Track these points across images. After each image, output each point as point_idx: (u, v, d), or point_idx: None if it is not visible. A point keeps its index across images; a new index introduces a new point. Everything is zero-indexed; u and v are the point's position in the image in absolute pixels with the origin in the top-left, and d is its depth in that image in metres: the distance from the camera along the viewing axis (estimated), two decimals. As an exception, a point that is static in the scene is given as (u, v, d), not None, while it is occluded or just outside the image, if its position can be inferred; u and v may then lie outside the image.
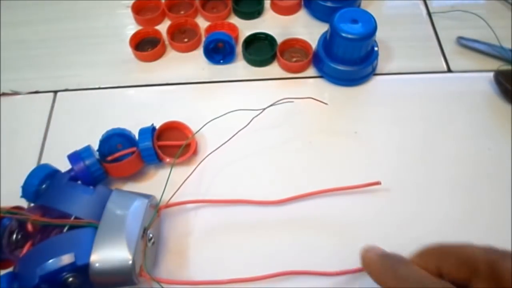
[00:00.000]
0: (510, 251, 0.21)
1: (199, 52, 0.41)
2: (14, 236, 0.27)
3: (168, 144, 0.34)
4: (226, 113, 0.34)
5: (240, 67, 0.40)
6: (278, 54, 0.39)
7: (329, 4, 0.41)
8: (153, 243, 0.29)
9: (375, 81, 0.39)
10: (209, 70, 0.40)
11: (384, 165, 0.33)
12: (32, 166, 0.31)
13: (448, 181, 0.33)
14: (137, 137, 0.33)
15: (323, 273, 0.28)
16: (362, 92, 0.38)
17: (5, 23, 0.45)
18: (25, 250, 0.27)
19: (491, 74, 0.37)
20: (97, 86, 0.39)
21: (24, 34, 0.44)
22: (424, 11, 0.44)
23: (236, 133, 0.33)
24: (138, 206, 0.28)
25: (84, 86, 0.39)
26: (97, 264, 0.26)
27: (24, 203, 0.30)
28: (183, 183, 0.31)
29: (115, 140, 0.32)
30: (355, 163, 0.34)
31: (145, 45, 0.42)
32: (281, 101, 0.34)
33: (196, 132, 0.34)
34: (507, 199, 0.32)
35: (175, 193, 0.30)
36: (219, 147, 0.33)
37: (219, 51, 0.40)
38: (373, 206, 0.32)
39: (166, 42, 0.42)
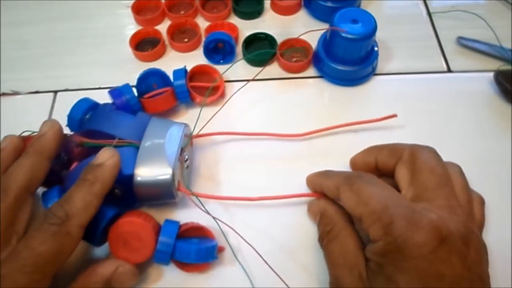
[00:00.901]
0: (429, 147, 0.27)
1: (199, 52, 0.41)
2: (61, 158, 0.29)
3: (198, 85, 0.37)
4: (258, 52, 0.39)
5: (240, 67, 0.40)
6: (278, 54, 0.39)
7: (329, 4, 0.41)
8: (187, 166, 0.32)
9: (375, 81, 0.39)
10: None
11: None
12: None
13: (448, 181, 0.33)
14: (171, 78, 0.35)
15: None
16: (362, 92, 0.38)
17: (5, 23, 0.45)
18: (72, 167, 0.29)
19: (491, 74, 0.37)
20: (97, 86, 0.39)
21: (24, 34, 0.44)
22: (424, 11, 0.44)
23: (259, 72, 0.38)
24: (176, 129, 0.30)
25: (84, 86, 0.39)
26: (140, 176, 0.28)
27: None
28: (213, 116, 0.34)
29: (151, 79, 0.35)
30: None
31: (145, 45, 0.42)
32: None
33: (224, 73, 0.38)
34: (507, 199, 0.32)
35: (206, 123, 0.34)
36: (245, 84, 0.37)
37: (219, 51, 0.40)
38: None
39: (166, 42, 0.42)
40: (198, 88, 0.37)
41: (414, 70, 0.39)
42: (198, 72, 0.38)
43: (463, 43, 0.41)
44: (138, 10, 0.44)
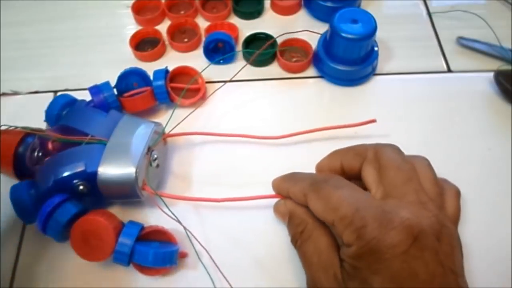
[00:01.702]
0: (392, 144, 0.27)
1: (199, 52, 0.41)
2: (36, 153, 0.30)
3: (179, 86, 0.37)
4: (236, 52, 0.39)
5: (240, 67, 0.40)
6: (278, 54, 0.39)
7: (329, 4, 0.41)
8: (158, 165, 0.32)
9: (375, 81, 0.39)
10: (209, 70, 0.40)
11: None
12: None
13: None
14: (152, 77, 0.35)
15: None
16: (362, 92, 0.38)
17: (5, 23, 0.45)
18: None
19: (491, 74, 0.37)
20: (97, 86, 0.39)
21: (24, 34, 0.44)
22: (424, 11, 0.44)
23: (240, 70, 0.38)
24: (144, 128, 0.30)
25: (84, 86, 0.39)
26: (104, 174, 0.28)
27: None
28: (187, 116, 0.34)
29: (132, 79, 0.35)
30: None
31: (145, 45, 0.42)
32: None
33: (203, 71, 0.37)
34: (507, 199, 0.32)
35: (180, 122, 0.33)
36: (223, 84, 0.38)
37: (219, 51, 0.40)
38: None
39: (166, 42, 0.42)
40: (179, 89, 0.36)
41: (414, 70, 0.39)
42: (180, 73, 0.38)
43: (463, 43, 0.41)
44: (138, 10, 0.44)
